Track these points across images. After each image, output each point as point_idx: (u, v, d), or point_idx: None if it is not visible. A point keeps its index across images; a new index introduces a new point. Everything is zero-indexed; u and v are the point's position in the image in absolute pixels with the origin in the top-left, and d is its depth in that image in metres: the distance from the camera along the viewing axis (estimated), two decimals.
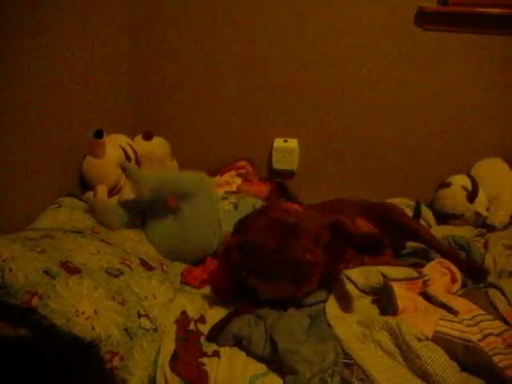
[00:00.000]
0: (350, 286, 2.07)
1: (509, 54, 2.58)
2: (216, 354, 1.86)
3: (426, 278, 2.05)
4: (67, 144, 2.55)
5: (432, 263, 2.13)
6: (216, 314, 2.08)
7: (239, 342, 1.88)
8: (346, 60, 2.79)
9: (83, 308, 1.75)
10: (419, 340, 1.74)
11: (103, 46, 2.81)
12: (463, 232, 2.58)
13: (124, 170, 2.32)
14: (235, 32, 2.89)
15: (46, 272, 1.77)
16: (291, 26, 2.82)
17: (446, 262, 2.14)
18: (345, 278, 2.09)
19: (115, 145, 2.72)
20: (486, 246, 2.45)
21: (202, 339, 1.94)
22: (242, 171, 2.98)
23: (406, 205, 2.81)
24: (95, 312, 1.76)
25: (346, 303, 2.02)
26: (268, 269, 1.92)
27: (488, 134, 2.76)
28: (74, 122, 2.60)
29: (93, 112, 2.76)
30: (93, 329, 1.72)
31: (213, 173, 2.97)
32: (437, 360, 1.66)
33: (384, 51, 2.74)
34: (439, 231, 2.59)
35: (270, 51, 2.88)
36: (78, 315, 1.72)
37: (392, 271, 2.07)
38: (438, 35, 2.65)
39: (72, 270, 1.85)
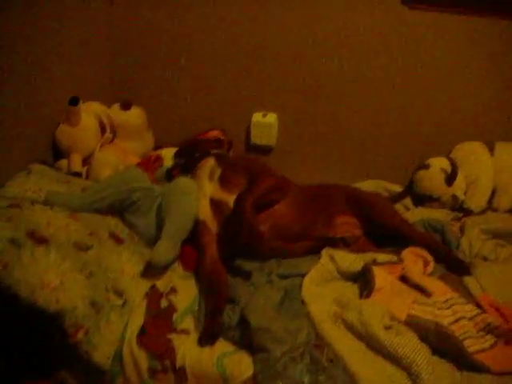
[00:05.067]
0: (331, 266, 2.07)
1: (495, 35, 2.53)
2: (185, 331, 1.84)
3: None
4: (41, 110, 2.47)
5: (405, 251, 2.13)
6: (186, 285, 2.07)
7: None
8: (329, 36, 2.72)
9: (49, 279, 1.71)
10: (386, 327, 1.72)
11: (80, 10, 2.71)
12: (440, 215, 2.56)
13: None
14: (219, 6, 2.80)
15: (12, 241, 1.71)
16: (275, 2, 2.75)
17: (415, 249, 2.15)
18: (327, 256, 2.10)
19: (90, 113, 2.63)
20: (461, 230, 2.43)
21: (175, 316, 1.90)
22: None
23: (384, 188, 2.80)
24: (61, 283, 1.72)
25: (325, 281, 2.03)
26: None
27: (469, 117, 2.71)
28: (49, 87, 2.51)
29: (69, 78, 2.67)
30: (57, 302, 1.68)
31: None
32: (407, 343, 1.64)
33: (369, 29, 2.67)
34: (416, 213, 2.58)
35: (252, 23, 2.79)
36: (43, 287, 1.68)
37: (374, 256, 2.09)
38: (424, 15, 2.59)
39: (39, 239, 1.80)
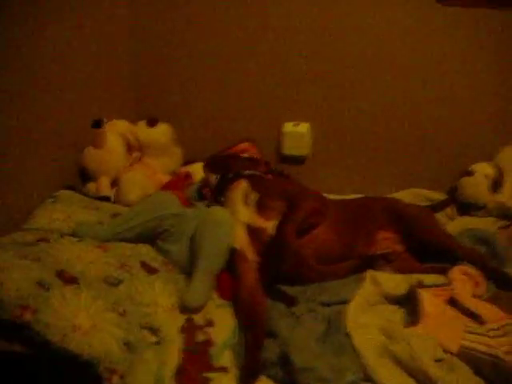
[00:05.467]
0: (375, 290, 1.96)
1: None
2: (223, 369, 1.74)
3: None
4: (66, 133, 2.41)
5: (452, 271, 2.00)
6: (223, 316, 1.96)
7: None
8: (361, 39, 2.60)
9: (80, 322, 1.63)
10: (437, 360, 1.61)
11: (101, 25, 2.64)
12: (486, 223, 2.43)
13: None
14: (244, 11, 2.70)
15: (40, 283, 1.65)
16: (305, 6, 2.62)
17: (464, 267, 2.01)
18: (371, 279, 2.00)
19: (116, 132, 2.57)
20: (510, 240, 2.29)
21: (212, 350, 1.81)
22: (245, 155, 2.80)
23: (425, 197, 2.67)
24: (93, 326, 1.65)
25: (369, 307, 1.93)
26: None
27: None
28: (73, 109, 2.45)
29: (92, 97, 2.61)
30: (90, 346, 1.60)
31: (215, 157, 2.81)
32: (462, 381, 1.53)
33: (403, 30, 2.54)
34: (460, 223, 2.46)
35: (282, 32, 2.68)
36: (74, 330, 1.61)
37: (421, 277, 1.97)
38: (458, 11, 2.45)
39: (68, 279, 1.73)
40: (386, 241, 2.23)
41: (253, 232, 2.06)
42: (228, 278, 2.08)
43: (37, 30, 2.18)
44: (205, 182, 2.47)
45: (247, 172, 2.28)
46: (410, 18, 2.54)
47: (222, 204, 2.24)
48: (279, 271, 1.94)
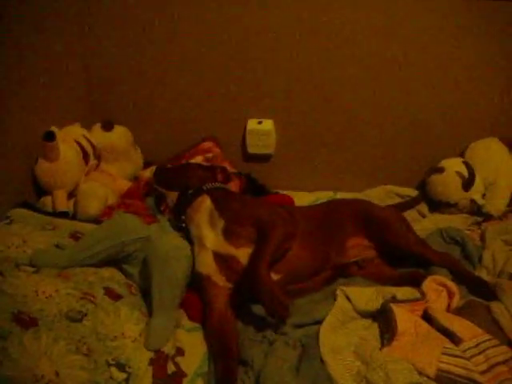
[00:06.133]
0: (347, 307, 1.92)
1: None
2: None
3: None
4: (14, 144, 2.27)
5: (426, 282, 1.96)
6: (193, 341, 1.90)
7: None
8: (328, 33, 2.47)
9: (42, 371, 1.54)
10: None
11: (52, 25, 2.47)
12: (458, 220, 2.41)
13: None
14: (202, 5, 2.53)
15: None
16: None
17: (438, 277, 1.98)
18: (342, 296, 1.94)
19: (69, 140, 2.41)
20: (482, 238, 2.28)
21: (185, 381, 1.75)
22: (209, 155, 2.68)
23: (396, 193, 2.62)
24: (56, 373, 1.55)
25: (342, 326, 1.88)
26: None
27: (483, 111, 2.50)
28: (20, 115, 2.30)
29: (42, 102, 2.45)
30: None
31: (176, 160, 2.69)
32: None
33: (373, 22, 2.43)
34: (432, 221, 2.43)
35: (245, 26, 2.52)
36: (37, 380, 1.52)
37: (394, 291, 1.92)
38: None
39: (27, 322, 1.62)
40: (357, 247, 2.18)
41: (221, 258, 1.97)
42: (195, 298, 2.01)
43: None
44: (159, 197, 2.36)
45: (208, 186, 2.17)
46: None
47: (183, 222, 2.14)
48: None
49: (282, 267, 1.96)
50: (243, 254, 1.93)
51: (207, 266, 1.97)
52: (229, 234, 1.97)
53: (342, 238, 2.16)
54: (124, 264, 2.04)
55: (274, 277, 1.91)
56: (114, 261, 2.02)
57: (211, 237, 2.01)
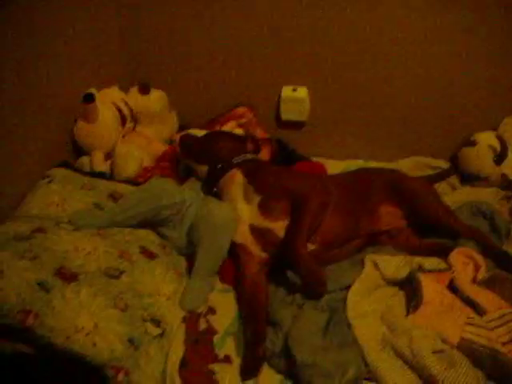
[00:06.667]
0: (375, 274, 1.95)
1: None
2: (227, 359, 1.77)
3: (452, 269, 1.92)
4: (55, 105, 2.32)
5: (453, 253, 1.97)
6: (224, 302, 1.98)
7: None
8: (362, 13, 2.45)
9: (83, 323, 1.64)
10: (438, 351, 1.63)
11: None
12: (488, 194, 2.39)
13: None
14: None
15: (40, 284, 1.64)
16: None
17: (466, 249, 1.99)
18: (371, 263, 1.98)
19: (108, 103, 2.47)
20: (511, 213, 2.27)
21: (215, 338, 1.84)
22: (243, 121, 2.70)
23: (427, 165, 2.61)
24: (95, 325, 1.65)
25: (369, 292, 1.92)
26: None
27: None
28: (61, 78, 2.35)
29: (81, 65, 2.50)
30: (94, 345, 1.62)
31: (210, 124, 2.72)
32: (461, 378, 1.56)
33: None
34: (462, 194, 2.42)
35: None
36: (77, 331, 1.62)
37: (421, 261, 1.94)
38: None
39: (68, 277, 1.72)
40: (389, 215, 2.19)
41: (258, 231, 2.01)
42: (231, 264, 2.08)
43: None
44: (186, 169, 2.39)
45: (238, 159, 2.19)
46: None
47: (217, 195, 2.18)
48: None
49: (317, 237, 2.00)
50: (280, 227, 1.97)
51: (243, 236, 2.03)
52: (265, 208, 2.00)
53: (374, 205, 2.18)
54: (159, 227, 2.11)
55: (310, 247, 1.96)
56: (150, 223, 2.10)
57: (247, 210, 2.05)
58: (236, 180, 2.12)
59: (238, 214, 2.04)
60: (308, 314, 1.81)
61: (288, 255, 1.88)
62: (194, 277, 1.98)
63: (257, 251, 2.01)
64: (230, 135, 2.39)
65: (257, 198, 2.03)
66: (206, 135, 2.34)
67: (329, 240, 2.03)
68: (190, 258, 2.06)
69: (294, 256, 1.85)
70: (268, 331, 1.81)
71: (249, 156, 2.25)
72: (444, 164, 2.61)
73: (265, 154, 2.47)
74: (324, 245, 2.02)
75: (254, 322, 1.84)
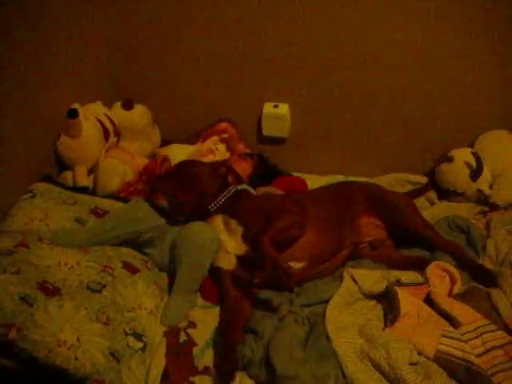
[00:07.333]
0: (353, 288, 2.00)
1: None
2: (207, 370, 1.79)
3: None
4: (38, 120, 2.34)
5: (430, 267, 2.03)
6: (205, 317, 2.00)
7: None
8: (342, 20, 2.51)
9: (65, 336, 1.64)
10: (414, 364, 1.68)
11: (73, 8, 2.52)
12: (465, 209, 2.46)
13: None
14: None
15: (23, 298, 1.64)
16: None
17: (442, 263, 2.05)
18: (349, 277, 2.02)
19: (91, 118, 2.49)
20: (488, 227, 2.34)
21: (195, 350, 1.86)
22: (225, 135, 2.75)
23: (406, 181, 2.68)
24: (78, 339, 1.65)
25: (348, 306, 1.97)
26: None
27: (493, 104, 2.53)
28: (45, 92, 2.37)
29: (65, 79, 2.52)
30: (76, 359, 1.62)
31: (193, 139, 2.77)
32: None
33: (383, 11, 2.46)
34: (440, 208, 2.49)
35: (264, 12, 2.56)
36: (59, 345, 1.62)
37: (399, 275, 2.00)
38: None
39: (51, 291, 1.72)
40: (370, 226, 2.24)
41: (244, 258, 2.05)
42: (210, 281, 2.10)
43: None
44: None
45: (214, 206, 2.15)
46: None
47: None
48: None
49: (304, 254, 2.05)
50: None
51: (230, 264, 2.06)
52: (248, 237, 2.03)
53: (354, 217, 2.23)
54: (141, 246, 2.13)
55: (299, 265, 2.02)
56: (131, 243, 2.12)
57: (231, 243, 2.08)
58: (216, 223, 2.11)
59: (224, 245, 2.07)
60: (289, 326, 1.84)
61: (254, 247, 1.94)
62: (174, 294, 2.01)
63: (246, 277, 2.03)
64: (209, 173, 2.22)
65: (240, 230, 2.06)
66: (181, 176, 2.16)
67: (316, 254, 2.07)
68: (172, 273, 2.08)
69: (259, 249, 1.90)
70: (248, 338, 1.84)
71: (231, 191, 2.20)
72: (423, 179, 2.68)
73: (246, 168, 2.51)
74: (312, 260, 2.07)
75: (232, 331, 1.87)
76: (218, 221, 2.11)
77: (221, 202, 2.14)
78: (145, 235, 2.07)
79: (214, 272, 2.07)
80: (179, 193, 2.05)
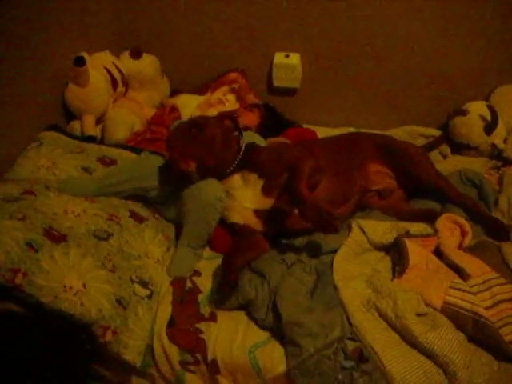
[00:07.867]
0: (361, 239, 1.98)
1: None
2: (213, 317, 1.81)
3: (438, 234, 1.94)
4: (46, 68, 2.31)
5: (440, 219, 1.99)
6: (210, 267, 1.99)
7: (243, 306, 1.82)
8: None
9: (71, 282, 1.65)
10: (421, 314, 1.67)
11: None
12: (478, 163, 2.41)
13: None
14: None
15: (29, 244, 1.64)
16: None
17: (453, 215, 2.01)
18: (357, 228, 2.00)
19: (99, 66, 2.45)
20: (500, 182, 2.29)
21: (200, 297, 1.87)
22: (235, 85, 2.69)
23: (419, 134, 2.62)
24: (84, 285, 1.66)
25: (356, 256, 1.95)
26: None
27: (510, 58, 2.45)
28: (52, 41, 2.33)
29: (72, 28, 2.48)
30: (82, 304, 1.63)
31: (202, 89, 2.72)
32: (443, 340, 1.59)
33: None
34: (453, 162, 2.43)
35: None
36: (65, 291, 1.63)
37: (408, 226, 1.96)
38: None
39: (57, 238, 1.72)
40: (378, 174, 2.19)
41: (262, 212, 2.00)
42: (222, 232, 2.06)
43: None
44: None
45: (232, 167, 2.02)
46: None
47: None
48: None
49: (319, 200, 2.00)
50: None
51: (247, 219, 2.01)
52: (268, 190, 1.98)
53: (363, 164, 2.18)
54: (148, 202, 2.12)
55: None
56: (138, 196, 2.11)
57: (250, 196, 2.01)
58: (234, 183, 2.03)
59: (241, 201, 2.00)
60: (296, 275, 1.84)
61: (294, 200, 1.85)
62: (181, 246, 2.00)
63: (260, 227, 2.02)
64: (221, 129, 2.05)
65: (260, 183, 1.99)
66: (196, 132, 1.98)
67: (329, 201, 2.01)
68: (179, 225, 2.07)
69: (300, 199, 1.82)
70: (253, 278, 1.84)
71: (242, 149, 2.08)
72: (436, 132, 2.61)
73: (254, 120, 2.47)
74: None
75: (238, 254, 1.89)
76: (237, 179, 2.02)
77: (237, 161, 2.03)
78: (151, 192, 2.05)
79: (231, 226, 2.04)
80: (208, 158, 1.93)
